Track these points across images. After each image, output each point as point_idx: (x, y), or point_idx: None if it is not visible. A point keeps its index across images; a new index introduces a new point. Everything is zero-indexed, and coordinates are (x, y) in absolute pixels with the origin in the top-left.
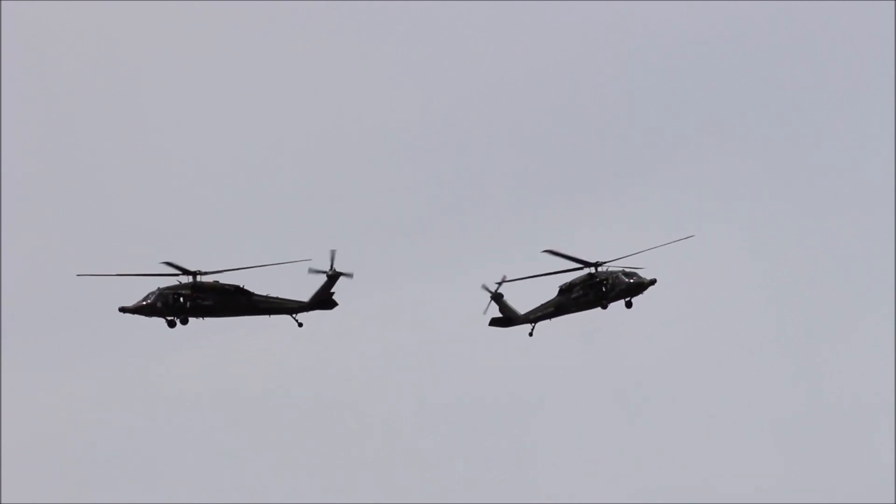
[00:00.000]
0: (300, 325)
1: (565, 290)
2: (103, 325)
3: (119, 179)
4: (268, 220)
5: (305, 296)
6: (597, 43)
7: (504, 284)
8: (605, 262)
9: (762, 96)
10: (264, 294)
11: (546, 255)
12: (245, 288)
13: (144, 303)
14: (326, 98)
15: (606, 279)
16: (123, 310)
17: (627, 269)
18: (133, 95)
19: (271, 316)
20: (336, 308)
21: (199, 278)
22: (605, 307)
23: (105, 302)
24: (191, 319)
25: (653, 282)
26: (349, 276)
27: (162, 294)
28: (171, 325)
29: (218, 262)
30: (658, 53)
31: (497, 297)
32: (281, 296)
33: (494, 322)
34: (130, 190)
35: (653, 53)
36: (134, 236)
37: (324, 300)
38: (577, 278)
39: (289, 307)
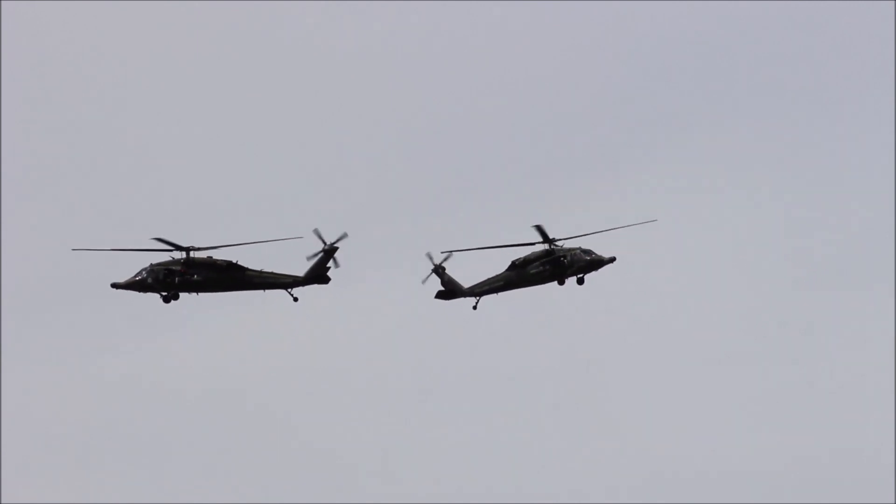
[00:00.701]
0: (295, 299)
1: (519, 265)
2: (97, 301)
3: (116, 157)
4: (264, 197)
5: (301, 271)
6: (590, 38)
7: (449, 258)
8: (559, 240)
9: (758, 92)
10: (258, 269)
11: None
12: (238, 263)
13: (136, 279)
14: (324, 82)
15: (565, 255)
16: (115, 286)
17: (584, 247)
18: (129, 80)
19: (266, 291)
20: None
21: (192, 254)
22: (562, 283)
23: (100, 278)
24: (182, 294)
25: (612, 259)
26: (344, 237)
27: (153, 270)
28: (167, 300)
29: (213, 238)
30: (649, 46)
31: (439, 271)
32: (276, 271)
33: (440, 295)
34: (127, 167)
35: (645, 46)
36: (131, 213)
37: (319, 275)
38: (533, 253)
39: (283, 282)
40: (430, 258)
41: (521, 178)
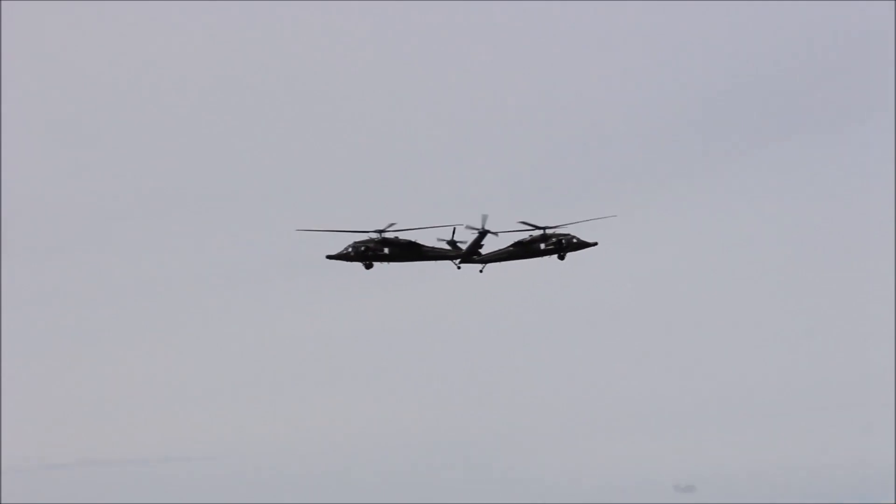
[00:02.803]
0: (459, 267)
1: (527, 242)
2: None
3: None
4: (439, 192)
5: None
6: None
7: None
8: (552, 227)
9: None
10: (431, 245)
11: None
12: (417, 242)
13: (343, 252)
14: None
15: (562, 238)
16: (329, 257)
17: (570, 233)
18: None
19: (437, 261)
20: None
21: (383, 234)
22: (562, 258)
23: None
24: (376, 264)
25: (595, 244)
26: (496, 234)
27: (355, 246)
28: (367, 266)
29: (400, 223)
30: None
31: (482, 235)
32: (444, 247)
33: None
34: (341, 166)
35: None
36: (348, 202)
37: (474, 251)
38: (534, 236)
39: (449, 255)
40: (472, 227)
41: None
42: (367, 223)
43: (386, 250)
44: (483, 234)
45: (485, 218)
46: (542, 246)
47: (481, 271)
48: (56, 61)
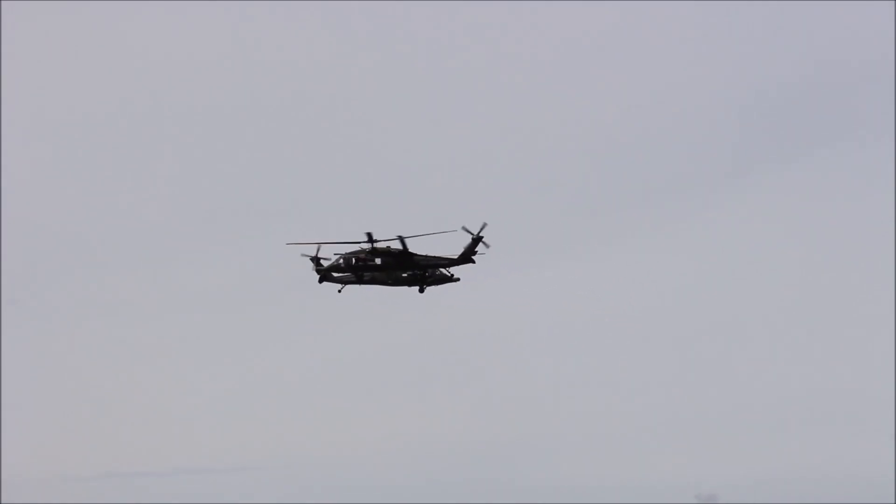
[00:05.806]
0: (455, 277)
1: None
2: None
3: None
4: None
5: (455, 253)
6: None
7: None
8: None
9: None
10: (423, 254)
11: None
12: (409, 251)
13: (332, 263)
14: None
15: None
16: (318, 272)
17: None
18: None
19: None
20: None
21: (373, 245)
22: (422, 290)
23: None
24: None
25: (457, 279)
26: (487, 245)
27: (345, 257)
28: (340, 290)
29: (390, 232)
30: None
31: (476, 241)
32: (437, 254)
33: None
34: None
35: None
36: (334, 215)
37: (468, 257)
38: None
39: (442, 263)
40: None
41: None
42: (357, 234)
43: (378, 261)
44: (477, 239)
45: (484, 225)
46: (405, 274)
47: (340, 291)
48: (56, 61)
